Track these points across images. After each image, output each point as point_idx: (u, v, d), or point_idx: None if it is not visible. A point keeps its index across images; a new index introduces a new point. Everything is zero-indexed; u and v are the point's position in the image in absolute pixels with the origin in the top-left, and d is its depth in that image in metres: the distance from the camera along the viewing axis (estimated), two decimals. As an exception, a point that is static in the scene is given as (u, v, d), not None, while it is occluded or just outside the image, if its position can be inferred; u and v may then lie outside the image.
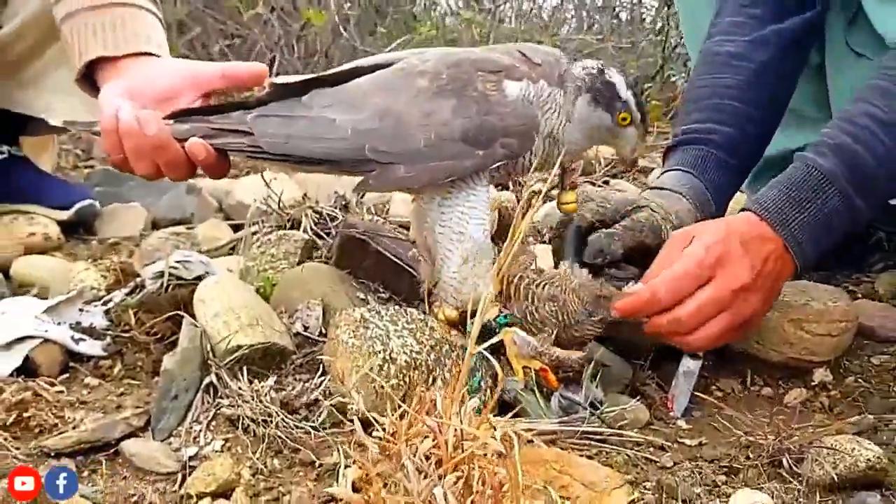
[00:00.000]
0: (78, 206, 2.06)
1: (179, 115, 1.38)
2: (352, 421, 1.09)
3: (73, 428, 1.13)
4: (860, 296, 1.72)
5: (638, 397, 1.36)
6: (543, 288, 1.34)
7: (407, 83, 1.27)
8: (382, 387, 1.16)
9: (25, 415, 1.14)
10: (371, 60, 1.37)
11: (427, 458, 0.80)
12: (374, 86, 1.29)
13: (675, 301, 1.29)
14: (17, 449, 1.09)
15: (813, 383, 1.42)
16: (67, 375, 1.28)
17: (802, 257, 1.34)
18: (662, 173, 1.58)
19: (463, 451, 0.77)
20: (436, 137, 1.24)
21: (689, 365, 1.41)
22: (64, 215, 2.05)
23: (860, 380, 1.44)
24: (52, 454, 1.09)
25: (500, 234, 1.85)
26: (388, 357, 1.19)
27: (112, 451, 1.11)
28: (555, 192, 1.46)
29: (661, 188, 1.53)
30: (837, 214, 1.35)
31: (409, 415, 0.82)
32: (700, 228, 1.35)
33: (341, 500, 0.88)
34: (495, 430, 0.78)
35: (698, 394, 1.38)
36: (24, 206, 2.04)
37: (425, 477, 0.75)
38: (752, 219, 1.35)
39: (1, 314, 1.32)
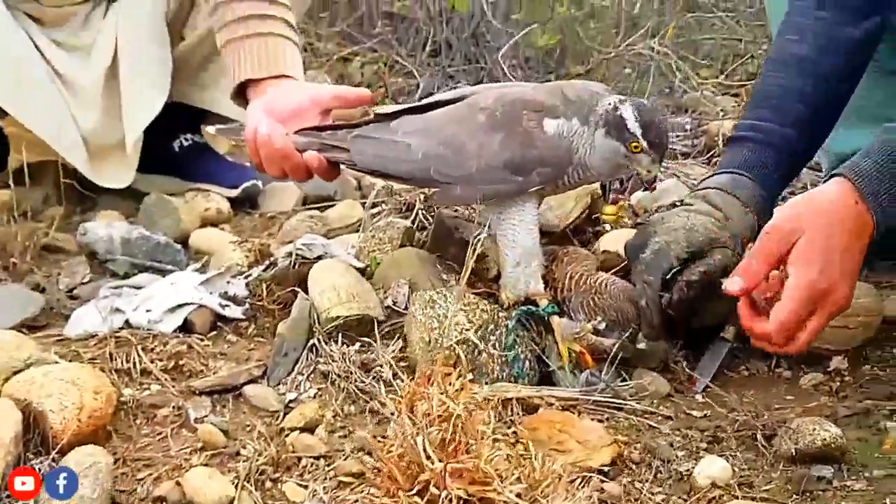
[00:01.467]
0: (244, 185, 2.49)
1: (303, 131, 1.76)
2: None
3: (213, 374, 1.55)
4: (914, 288, 1.85)
5: (667, 373, 1.62)
6: (606, 286, 1.62)
7: (469, 117, 1.58)
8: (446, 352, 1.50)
9: (181, 363, 1.57)
10: (450, 94, 1.69)
11: (427, 415, 1.12)
12: (444, 118, 1.61)
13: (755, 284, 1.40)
14: (174, 387, 1.52)
15: (829, 369, 1.60)
16: (215, 333, 1.69)
17: (883, 225, 1.41)
18: (726, 170, 1.71)
19: (445, 413, 1.09)
20: (485, 165, 1.54)
21: (718, 347, 1.65)
22: (233, 193, 2.49)
23: (875, 368, 1.61)
24: (196, 392, 1.51)
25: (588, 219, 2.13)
26: (442, 332, 1.52)
27: (237, 392, 1.51)
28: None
29: (734, 195, 1.65)
30: None
31: (413, 383, 1.14)
32: (801, 221, 1.39)
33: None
34: (450, 396, 1.08)
35: (726, 375, 1.60)
36: (203, 185, 2.51)
37: (415, 428, 1.08)
38: (848, 199, 1.39)
39: (171, 284, 1.76)
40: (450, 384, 1.14)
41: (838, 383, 1.58)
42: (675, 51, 3.38)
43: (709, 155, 2.82)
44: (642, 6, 3.71)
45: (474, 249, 1.26)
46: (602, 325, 1.58)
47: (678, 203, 1.70)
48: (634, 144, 1.51)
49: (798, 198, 1.43)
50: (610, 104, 1.52)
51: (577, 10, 3.53)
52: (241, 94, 1.96)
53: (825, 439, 1.32)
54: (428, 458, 1.04)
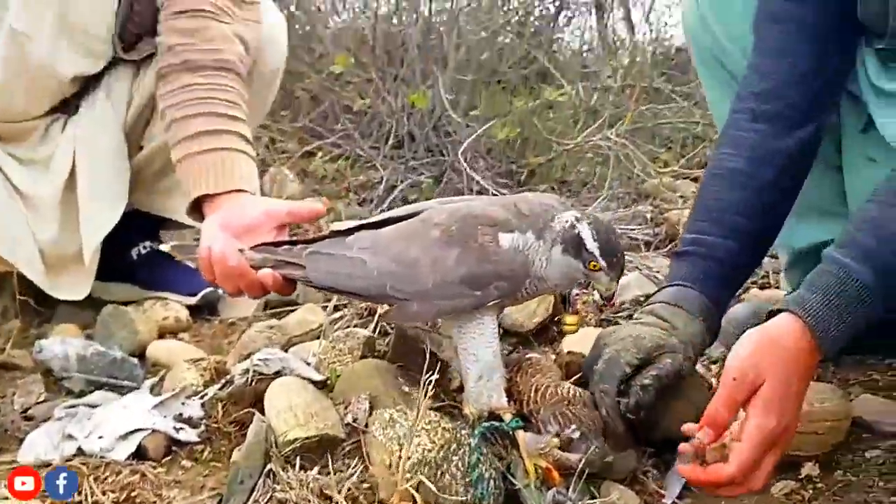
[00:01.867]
0: (203, 292, 2.46)
1: (259, 247, 1.74)
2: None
3: (165, 506, 1.49)
4: (881, 385, 1.84)
5: (636, 485, 1.58)
6: (578, 395, 1.60)
7: (423, 233, 1.57)
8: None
9: (133, 494, 1.50)
10: (404, 210, 1.68)
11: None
12: (398, 234, 1.59)
13: (719, 432, 1.40)
14: (125, 522, 1.46)
15: (801, 476, 1.57)
16: (170, 458, 1.63)
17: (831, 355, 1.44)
18: (668, 285, 1.74)
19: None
20: (441, 280, 1.52)
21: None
22: (192, 301, 2.46)
23: (848, 473, 1.58)
24: (148, 528, 1.45)
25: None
26: (403, 456, 1.47)
27: (191, 527, 1.46)
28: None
29: (679, 306, 1.66)
30: (865, 320, 1.43)
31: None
32: (762, 369, 1.39)
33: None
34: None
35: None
36: (161, 293, 2.47)
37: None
38: (801, 340, 1.39)
39: (123, 408, 1.70)
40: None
41: (811, 491, 1.55)
42: (632, 140, 3.43)
43: (670, 245, 2.84)
44: (599, 97, 3.78)
45: (426, 387, 1.22)
46: (576, 434, 1.54)
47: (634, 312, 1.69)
48: (593, 263, 1.50)
49: (755, 336, 1.41)
50: (567, 222, 1.52)
51: (534, 103, 3.59)
52: (197, 208, 1.95)
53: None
54: None
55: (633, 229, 3.03)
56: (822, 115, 1.77)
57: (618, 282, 1.54)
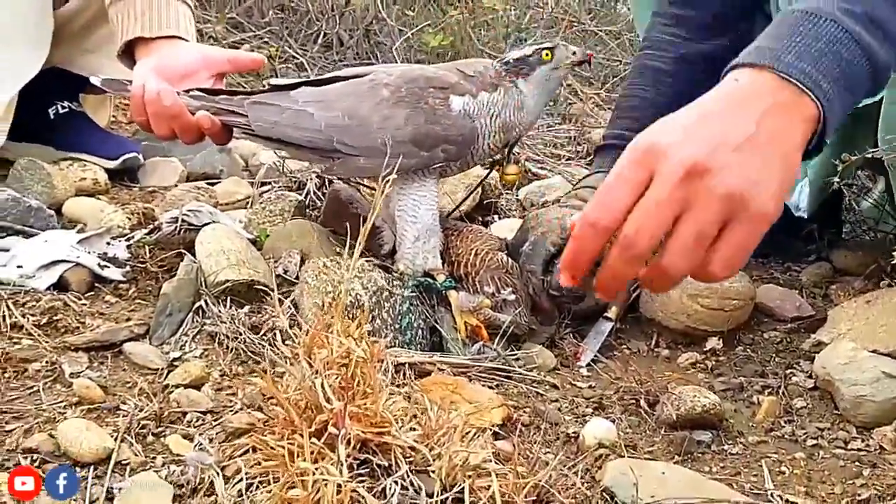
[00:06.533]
0: (124, 157, 2.38)
1: (195, 92, 1.70)
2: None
3: (91, 331, 1.47)
4: (781, 283, 1.96)
5: (554, 349, 1.65)
6: (515, 267, 1.65)
7: (373, 92, 1.58)
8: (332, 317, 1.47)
9: (55, 318, 1.48)
10: (350, 71, 1.68)
11: (326, 362, 1.10)
12: (347, 91, 1.60)
13: (614, 219, 1.02)
14: (46, 343, 1.43)
15: (705, 349, 1.68)
16: (92, 293, 1.61)
17: (818, 90, 1.00)
18: (595, 172, 1.83)
19: (344, 359, 1.07)
20: (390, 138, 1.54)
21: (602, 325, 1.70)
22: (111, 164, 2.38)
23: (748, 349, 1.69)
24: (72, 348, 1.43)
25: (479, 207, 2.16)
26: (336, 297, 1.50)
27: (117, 350, 1.44)
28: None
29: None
30: (843, 46, 1.04)
31: (311, 333, 1.12)
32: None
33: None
34: (353, 338, 1.07)
35: (608, 353, 1.66)
36: (79, 154, 2.39)
37: (314, 370, 1.06)
38: (760, 82, 1.03)
39: (45, 242, 1.66)
40: (349, 334, 1.12)
41: (714, 362, 1.65)
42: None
43: (591, 159, 2.92)
44: (532, 17, 3.81)
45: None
46: (511, 297, 1.60)
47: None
48: (546, 52, 1.58)
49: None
50: (516, 56, 1.60)
51: (469, 16, 3.59)
52: (129, 54, 1.89)
53: (705, 405, 1.38)
54: (327, 399, 1.02)
55: (557, 146, 3.10)
56: (740, 26, 1.83)
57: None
